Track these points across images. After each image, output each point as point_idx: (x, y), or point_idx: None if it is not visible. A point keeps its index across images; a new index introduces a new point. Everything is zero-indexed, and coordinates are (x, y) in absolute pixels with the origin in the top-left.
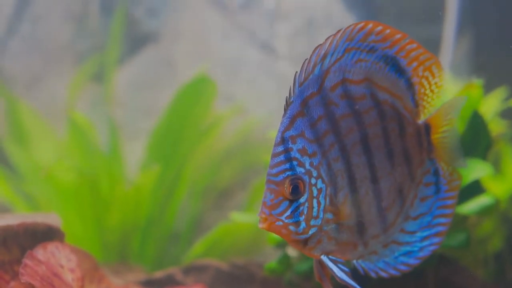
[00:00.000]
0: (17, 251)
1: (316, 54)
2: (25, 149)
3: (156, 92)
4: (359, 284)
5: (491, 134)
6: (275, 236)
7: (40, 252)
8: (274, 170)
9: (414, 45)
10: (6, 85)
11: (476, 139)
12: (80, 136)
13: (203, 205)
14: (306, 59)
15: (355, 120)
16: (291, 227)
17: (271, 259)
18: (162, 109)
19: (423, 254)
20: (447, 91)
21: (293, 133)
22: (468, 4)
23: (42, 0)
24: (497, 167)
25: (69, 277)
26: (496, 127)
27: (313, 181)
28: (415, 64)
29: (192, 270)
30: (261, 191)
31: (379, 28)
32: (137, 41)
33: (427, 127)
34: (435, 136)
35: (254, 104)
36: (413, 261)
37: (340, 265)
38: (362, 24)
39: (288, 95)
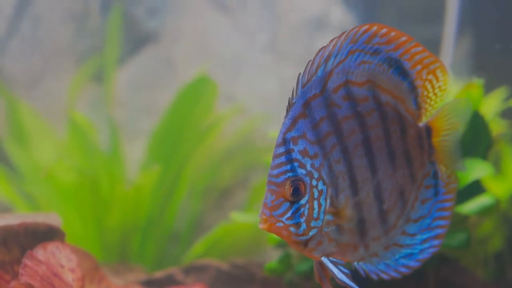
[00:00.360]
0: (18, 251)
1: (320, 56)
2: (25, 149)
3: (156, 92)
4: (359, 286)
5: (492, 134)
6: (275, 236)
7: (40, 252)
8: (275, 171)
9: (419, 48)
10: (6, 85)
11: (476, 139)
12: (80, 136)
13: (203, 205)
14: (309, 61)
15: (357, 122)
16: (292, 229)
17: (271, 259)
18: (162, 109)
19: (423, 256)
20: (448, 92)
21: (294, 134)
22: (468, 4)
23: (42, 0)
24: (498, 167)
25: (69, 277)
26: (496, 127)
27: (314, 182)
28: (419, 67)
29: (192, 270)
30: (262, 191)
31: (384, 30)
32: (137, 41)
33: (428, 130)
34: (436, 139)
35: (255, 104)
36: (413, 263)
37: (340, 267)
38: (366, 26)
39: (290, 96)
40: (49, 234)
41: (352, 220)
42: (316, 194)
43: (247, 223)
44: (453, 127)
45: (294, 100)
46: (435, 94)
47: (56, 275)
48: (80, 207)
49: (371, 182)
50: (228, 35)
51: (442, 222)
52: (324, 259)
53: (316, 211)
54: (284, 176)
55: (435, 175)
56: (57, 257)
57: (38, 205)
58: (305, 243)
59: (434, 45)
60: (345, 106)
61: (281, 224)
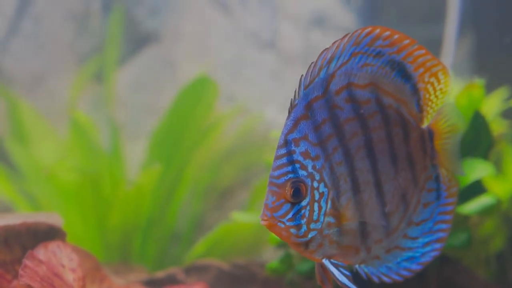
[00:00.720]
0: (19, 250)
1: (322, 58)
2: (26, 149)
3: (157, 92)
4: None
5: (493, 134)
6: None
7: (41, 252)
8: (276, 173)
9: (422, 51)
10: (7, 85)
11: (477, 139)
12: (82, 135)
13: (204, 205)
14: (312, 63)
15: (360, 124)
16: (292, 230)
17: (272, 259)
18: (163, 109)
19: (425, 259)
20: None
21: (296, 136)
22: (469, 4)
23: (43, 0)
24: (499, 167)
25: (70, 277)
26: (497, 127)
27: (315, 184)
28: (421, 70)
29: (194, 270)
30: (263, 191)
31: (387, 33)
32: (138, 41)
33: (431, 133)
34: (437, 142)
35: (256, 104)
36: (415, 267)
37: (341, 269)
38: (369, 28)
39: (292, 98)
40: (50, 233)
41: (354, 222)
42: (317, 196)
43: (248, 223)
44: (453, 129)
45: (296, 102)
46: (436, 96)
47: (57, 275)
48: (81, 207)
49: (373, 185)
50: (228, 35)
51: (443, 226)
52: (325, 261)
53: (316, 213)
54: (285, 178)
55: (437, 178)
56: (58, 256)
57: (39, 205)
58: (306, 245)
59: (435, 45)
60: (347, 108)
61: (282, 225)
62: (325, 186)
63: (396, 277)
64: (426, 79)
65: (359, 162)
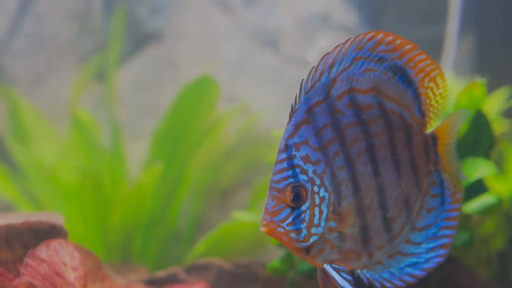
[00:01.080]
0: (21, 249)
1: (324, 62)
2: (27, 148)
3: (159, 92)
4: None
5: (494, 133)
6: None
7: (43, 250)
8: (277, 177)
9: (423, 56)
10: (9, 84)
11: (479, 138)
12: (83, 134)
13: (206, 204)
14: (312, 67)
15: (362, 129)
16: (292, 234)
17: (274, 258)
18: (164, 109)
19: (429, 265)
20: (450, 91)
21: (297, 141)
22: (470, 3)
23: None
24: (500, 166)
25: (71, 275)
26: (499, 126)
27: (315, 189)
28: (422, 75)
29: (195, 269)
30: (264, 190)
31: (390, 38)
32: (139, 40)
33: (434, 138)
34: (441, 148)
35: (257, 104)
36: (419, 273)
37: (343, 274)
38: (372, 33)
39: (293, 103)
40: (52, 233)
41: (355, 227)
42: (317, 200)
43: (249, 222)
44: (455, 136)
45: (297, 107)
46: (436, 101)
47: (59, 273)
48: (82, 206)
49: (375, 190)
50: (231, 35)
51: (448, 232)
52: (327, 266)
53: (316, 217)
54: (286, 182)
55: (441, 184)
56: (60, 254)
57: (40, 205)
58: (307, 250)
59: (436, 45)
60: (349, 113)
61: (282, 230)
62: (326, 190)
63: (399, 283)
64: (426, 84)
65: (361, 167)
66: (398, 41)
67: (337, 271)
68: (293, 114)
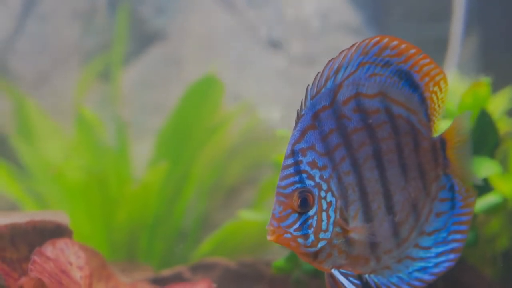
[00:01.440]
0: (26, 249)
1: (329, 68)
2: (33, 147)
3: (163, 91)
4: None
5: (499, 132)
6: None
7: (49, 249)
8: (284, 183)
9: (427, 60)
10: (14, 84)
11: (483, 138)
12: (88, 133)
13: (211, 203)
14: (318, 73)
15: (368, 134)
16: (300, 240)
17: (279, 258)
18: (169, 108)
19: (439, 270)
20: (455, 91)
21: (303, 146)
22: (475, 3)
23: None
24: (505, 165)
25: (77, 274)
26: (504, 125)
27: (322, 194)
28: (426, 79)
29: (200, 268)
30: (269, 189)
31: (395, 42)
32: (144, 39)
33: (443, 142)
34: (450, 151)
35: (262, 103)
36: (428, 277)
37: (351, 278)
38: (377, 38)
39: (299, 108)
40: (57, 232)
41: (363, 232)
42: (324, 205)
43: (254, 221)
44: (464, 138)
45: (303, 112)
46: (439, 106)
47: (64, 272)
48: (87, 205)
49: (382, 194)
50: (235, 34)
51: (458, 236)
52: (334, 271)
53: (324, 222)
54: (292, 188)
55: (451, 188)
56: (66, 254)
57: (45, 204)
58: (315, 255)
59: (441, 44)
60: (355, 118)
61: (289, 236)
62: (333, 195)
63: None
64: (431, 88)
65: (368, 172)
66: (403, 46)
67: (345, 275)
68: (299, 119)
